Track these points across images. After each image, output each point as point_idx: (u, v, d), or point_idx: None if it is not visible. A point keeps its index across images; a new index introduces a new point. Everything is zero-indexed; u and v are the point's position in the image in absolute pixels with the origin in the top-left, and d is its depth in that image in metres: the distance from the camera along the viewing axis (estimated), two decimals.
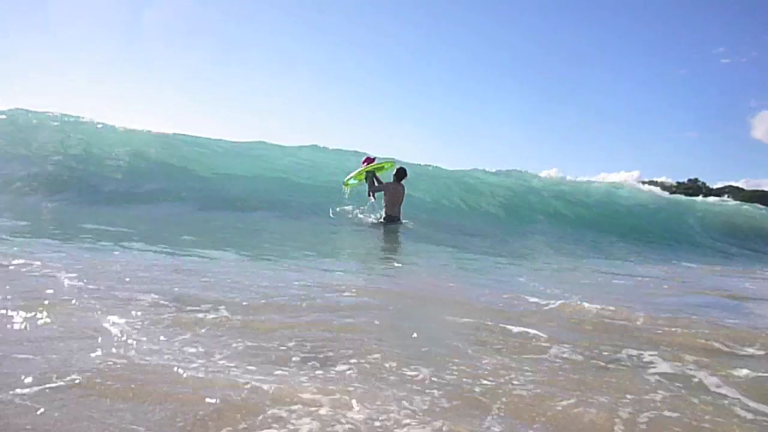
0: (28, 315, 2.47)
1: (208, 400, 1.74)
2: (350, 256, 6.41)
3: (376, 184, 9.33)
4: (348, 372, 2.13)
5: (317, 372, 2.10)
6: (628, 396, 2.07)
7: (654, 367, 2.48)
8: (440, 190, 13.45)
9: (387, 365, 2.22)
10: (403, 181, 9.32)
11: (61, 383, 1.77)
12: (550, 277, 5.63)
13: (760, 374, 2.43)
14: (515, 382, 2.13)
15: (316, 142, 16.33)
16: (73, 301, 2.77)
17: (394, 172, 9.36)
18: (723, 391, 2.20)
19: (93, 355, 2.04)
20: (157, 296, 3.01)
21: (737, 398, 2.13)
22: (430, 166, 16.35)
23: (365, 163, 9.42)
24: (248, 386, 1.86)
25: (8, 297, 2.71)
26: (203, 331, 2.51)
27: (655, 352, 2.69)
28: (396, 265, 5.93)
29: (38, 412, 1.58)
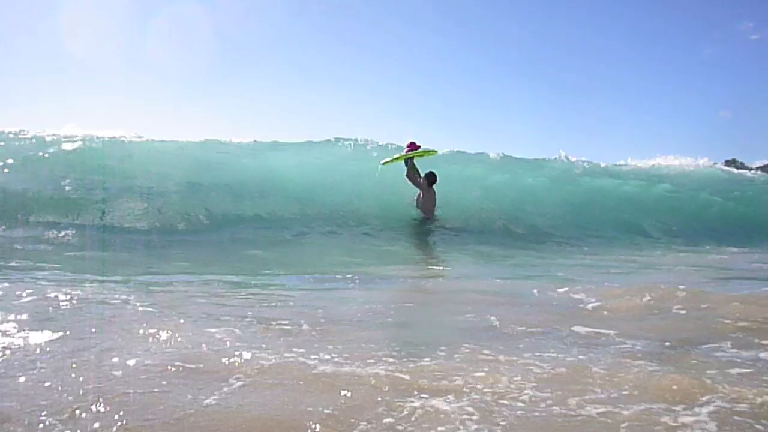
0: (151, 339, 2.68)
1: (345, 388, 1.97)
2: (395, 263, 6.62)
3: (413, 174, 9.70)
4: (453, 357, 2.42)
5: (423, 361, 2.33)
6: (707, 373, 2.27)
7: (716, 345, 2.68)
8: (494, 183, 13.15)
9: (482, 353, 2.46)
10: (434, 186, 9.66)
11: (229, 388, 2.01)
12: (586, 272, 5.82)
13: None
14: (595, 355, 2.37)
15: (338, 134, 15.09)
16: (166, 322, 2.95)
17: (425, 176, 9.66)
18: None
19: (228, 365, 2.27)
20: (234, 315, 3.24)
21: None
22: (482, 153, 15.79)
23: (409, 148, 9.72)
24: (385, 375, 2.14)
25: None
26: (293, 339, 2.73)
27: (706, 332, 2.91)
28: (443, 269, 6.14)
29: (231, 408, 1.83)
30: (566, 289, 4.25)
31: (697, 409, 1.84)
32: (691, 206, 14.08)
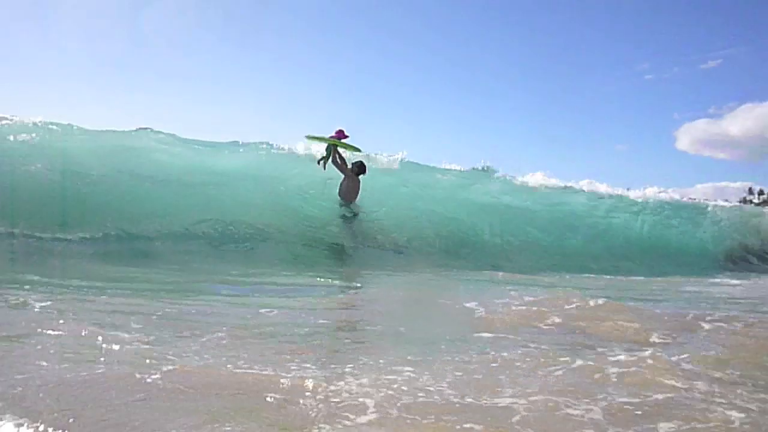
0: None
1: (267, 390, 2.03)
2: (311, 273, 6.60)
3: (339, 161, 9.57)
4: (374, 362, 2.52)
5: (345, 367, 2.43)
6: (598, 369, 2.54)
7: (599, 347, 2.98)
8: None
9: (401, 357, 2.60)
10: (361, 176, 9.64)
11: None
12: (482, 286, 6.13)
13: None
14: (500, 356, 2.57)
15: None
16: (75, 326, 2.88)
17: (354, 163, 9.63)
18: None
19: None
20: (167, 325, 3.18)
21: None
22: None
23: (336, 135, 9.60)
24: (312, 376, 2.17)
25: None
26: (206, 344, 2.75)
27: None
28: (355, 280, 6.26)
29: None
30: (462, 300, 4.47)
31: (587, 400, 2.07)
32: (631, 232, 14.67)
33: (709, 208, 17.66)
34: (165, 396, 1.91)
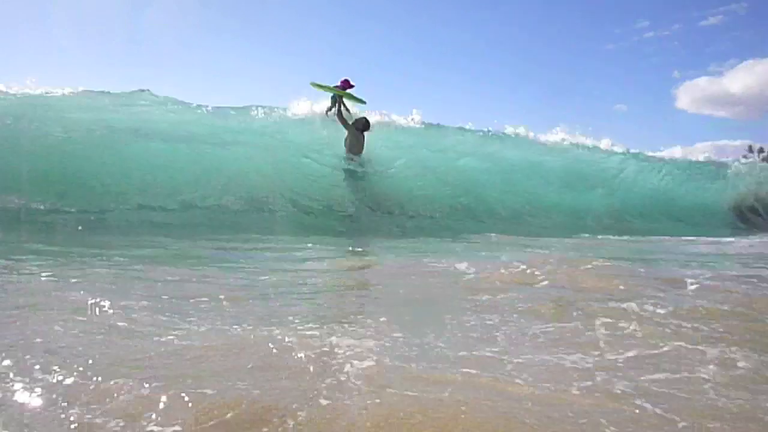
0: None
1: (272, 347, 2.16)
2: (308, 239, 6.74)
3: (344, 113, 9.67)
4: (376, 323, 2.65)
5: (349, 326, 2.57)
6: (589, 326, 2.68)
7: (588, 303, 3.12)
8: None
9: (402, 319, 2.73)
10: (365, 133, 9.70)
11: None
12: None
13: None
14: (497, 317, 2.71)
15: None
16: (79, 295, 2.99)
17: (358, 119, 9.68)
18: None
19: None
20: (170, 291, 3.32)
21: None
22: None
23: (342, 84, 9.62)
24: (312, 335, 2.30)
25: None
26: (210, 309, 2.86)
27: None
28: (353, 246, 6.40)
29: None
30: (457, 263, 4.59)
31: (581, 354, 2.22)
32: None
33: (732, 166, 18.04)
34: (180, 354, 2.03)
